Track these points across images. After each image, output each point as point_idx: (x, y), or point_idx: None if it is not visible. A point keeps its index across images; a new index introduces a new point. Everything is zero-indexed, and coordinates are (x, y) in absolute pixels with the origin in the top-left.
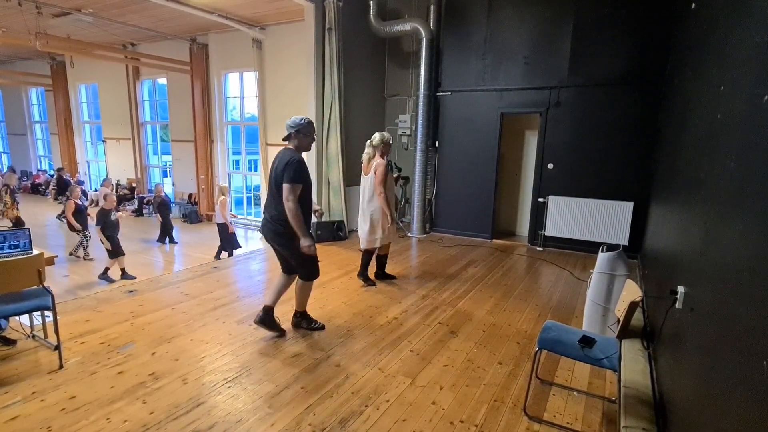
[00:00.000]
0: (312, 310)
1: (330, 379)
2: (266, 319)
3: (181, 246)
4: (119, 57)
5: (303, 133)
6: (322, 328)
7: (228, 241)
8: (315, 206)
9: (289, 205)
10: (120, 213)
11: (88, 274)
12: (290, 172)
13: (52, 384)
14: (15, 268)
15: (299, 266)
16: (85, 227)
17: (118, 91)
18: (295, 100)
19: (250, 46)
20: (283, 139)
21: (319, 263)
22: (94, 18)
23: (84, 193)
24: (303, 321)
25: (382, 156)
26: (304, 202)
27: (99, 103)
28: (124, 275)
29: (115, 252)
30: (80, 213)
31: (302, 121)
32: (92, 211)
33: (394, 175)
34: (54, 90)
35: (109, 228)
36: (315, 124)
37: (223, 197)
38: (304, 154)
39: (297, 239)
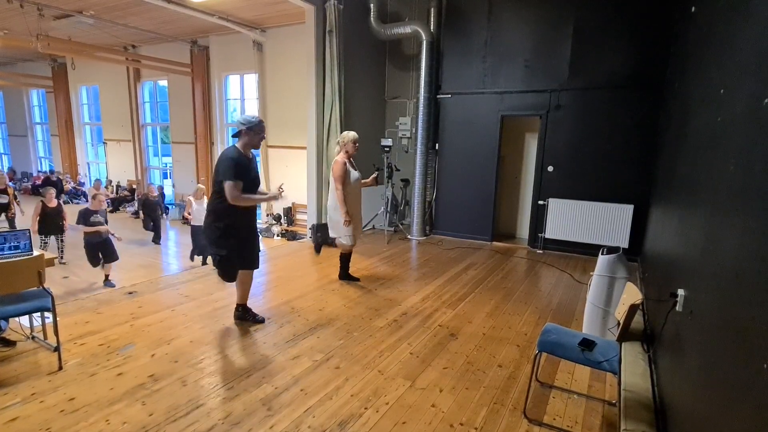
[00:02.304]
0: (312, 312)
1: (329, 381)
2: (243, 315)
3: (179, 247)
4: (120, 59)
5: (255, 131)
6: (262, 321)
7: (194, 242)
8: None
9: (234, 202)
10: (108, 229)
11: (88, 276)
12: (227, 171)
13: (52, 385)
14: (15, 270)
15: (216, 265)
16: (60, 231)
17: (119, 93)
18: (296, 102)
19: (251, 49)
20: (233, 136)
21: (235, 269)
22: (96, 20)
23: (75, 194)
24: (245, 314)
25: (347, 154)
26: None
27: (100, 104)
28: (106, 282)
29: (90, 259)
30: (48, 216)
31: (254, 119)
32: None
33: (373, 176)
34: (55, 91)
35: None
36: (315, 127)
37: (188, 198)
38: (311, 156)
39: (221, 237)
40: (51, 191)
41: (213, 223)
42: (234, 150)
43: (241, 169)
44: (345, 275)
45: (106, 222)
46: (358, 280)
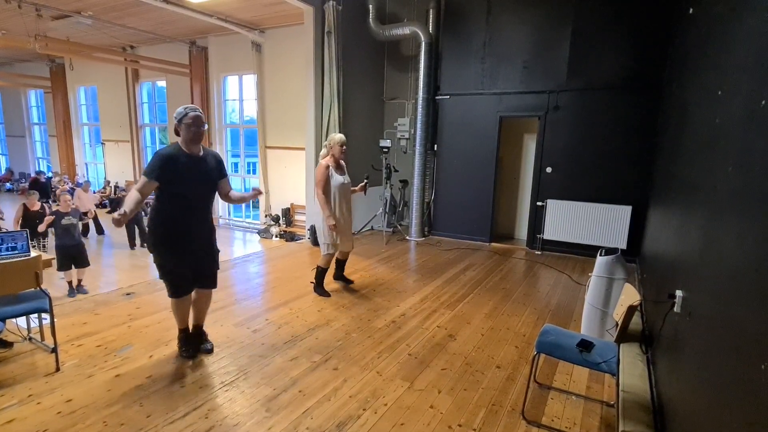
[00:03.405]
0: (310, 313)
1: (328, 383)
2: (184, 342)
3: None
4: (119, 59)
5: (185, 124)
6: (188, 356)
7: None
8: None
9: (133, 191)
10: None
11: (86, 277)
12: (147, 165)
13: (49, 387)
14: (12, 270)
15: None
16: (42, 235)
17: (118, 94)
18: (294, 103)
19: (250, 49)
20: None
21: (179, 282)
22: (94, 20)
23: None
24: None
25: (333, 158)
26: (172, 206)
27: (98, 105)
28: (79, 288)
29: (60, 263)
30: (29, 220)
31: (182, 110)
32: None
33: (361, 184)
34: (53, 92)
35: (57, 234)
36: (314, 127)
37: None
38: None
39: (157, 246)
40: (34, 195)
41: (150, 227)
42: (172, 146)
43: (167, 168)
44: (321, 289)
45: (82, 219)
46: (329, 295)
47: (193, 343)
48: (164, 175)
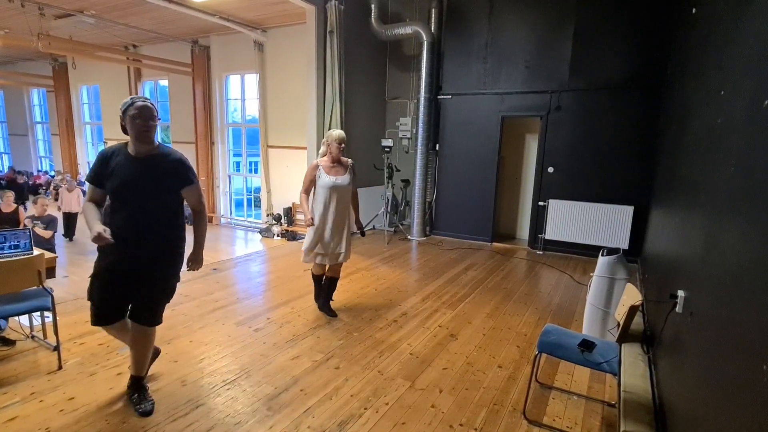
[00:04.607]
0: (311, 312)
1: (329, 382)
2: (132, 392)
3: None
4: (121, 58)
5: (128, 116)
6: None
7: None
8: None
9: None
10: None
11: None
12: (90, 169)
13: (51, 385)
14: (15, 269)
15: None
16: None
17: (120, 93)
18: (296, 102)
19: (252, 49)
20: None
21: (99, 304)
22: (97, 20)
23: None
24: (133, 391)
25: (330, 156)
26: (111, 213)
27: (100, 104)
28: None
29: None
30: (2, 221)
31: (129, 100)
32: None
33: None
34: (55, 91)
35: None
36: (316, 127)
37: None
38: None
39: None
40: (9, 194)
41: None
42: (119, 144)
43: (104, 170)
44: (322, 303)
45: (52, 229)
46: (335, 315)
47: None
48: (99, 177)
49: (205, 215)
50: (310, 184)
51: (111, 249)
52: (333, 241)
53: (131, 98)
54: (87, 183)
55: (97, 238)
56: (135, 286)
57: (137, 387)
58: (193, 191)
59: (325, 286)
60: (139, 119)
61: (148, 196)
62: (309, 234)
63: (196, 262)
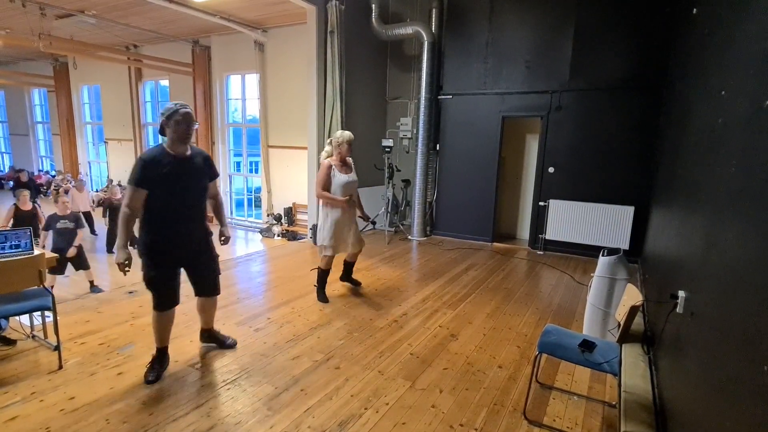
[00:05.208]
0: (311, 312)
1: (329, 382)
2: (151, 366)
3: None
4: (122, 58)
5: (174, 121)
6: (153, 380)
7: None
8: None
9: (122, 209)
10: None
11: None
12: (131, 173)
13: (52, 384)
14: (15, 268)
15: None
16: (36, 236)
17: (121, 93)
18: (297, 102)
19: (253, 49)
20: (159, 133)
21: (166, 293)
22: (98, 20)
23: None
24: (153, 365)
25: (339, 156)
26: (158, 211)
27: (101, 104)
28: (93, 289)
29: (56, 268)
30: (21, 220)
31: (172, 106)
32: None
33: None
34: (56, 91)
35: (55, 238)
36: (317, 127)
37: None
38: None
39: (145, 254)
40: (25, 193)
41: (140, 234)
42: (155, 148)
43: (153, 173)
44: (321, 295)
45: (81, 225)
46: (359, 284)
47: (164, 366)
48: (150, 181)
49: (222, 200)
50: (327, 184)
51: (168, 242)
52: (351, 234)
53: (175, 104)
54: (130, 187)
55: (120, 266)
56: (199, 269)
57: (212, 334)
58: (216, 182)
59: (345, 267)
60: (184, 124)
61: (193, 190)
62: (325, 230)
63: (227, 236)
